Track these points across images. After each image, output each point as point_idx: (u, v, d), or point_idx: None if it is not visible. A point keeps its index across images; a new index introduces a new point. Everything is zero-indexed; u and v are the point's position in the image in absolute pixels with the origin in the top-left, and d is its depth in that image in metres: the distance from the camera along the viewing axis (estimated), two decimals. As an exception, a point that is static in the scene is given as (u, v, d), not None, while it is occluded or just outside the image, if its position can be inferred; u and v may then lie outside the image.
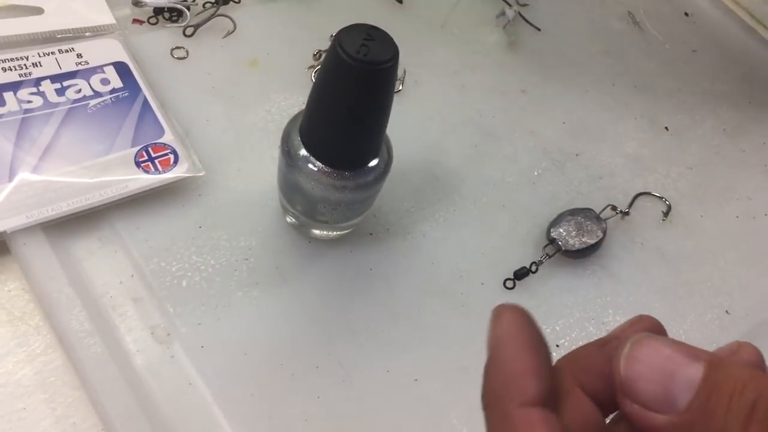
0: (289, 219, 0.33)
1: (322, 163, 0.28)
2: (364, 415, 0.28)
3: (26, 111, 0.33)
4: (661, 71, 0.46)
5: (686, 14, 0.51)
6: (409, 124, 0.38)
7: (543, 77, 0.43)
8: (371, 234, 0.33)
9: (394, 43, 0.25)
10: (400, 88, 0.40)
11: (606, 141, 0.41)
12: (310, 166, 0.28)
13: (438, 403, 0.29)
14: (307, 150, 0.28)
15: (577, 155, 0.40)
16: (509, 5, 0.46)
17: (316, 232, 0.32)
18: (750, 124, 0.44)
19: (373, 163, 0.29)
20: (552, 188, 0.38)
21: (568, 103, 0.42)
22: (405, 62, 0.41)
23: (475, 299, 0.32)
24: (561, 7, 0.48)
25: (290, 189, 0.30)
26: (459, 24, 0.45)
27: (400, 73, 0.41)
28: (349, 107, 0.26)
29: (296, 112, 0.29)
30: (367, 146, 0.28)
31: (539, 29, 0.46)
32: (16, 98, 0.33)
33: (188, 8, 0.39)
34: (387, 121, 0.28)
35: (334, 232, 0.32)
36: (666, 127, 0.43)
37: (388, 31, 0.41)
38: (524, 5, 0.47)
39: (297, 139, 0.28)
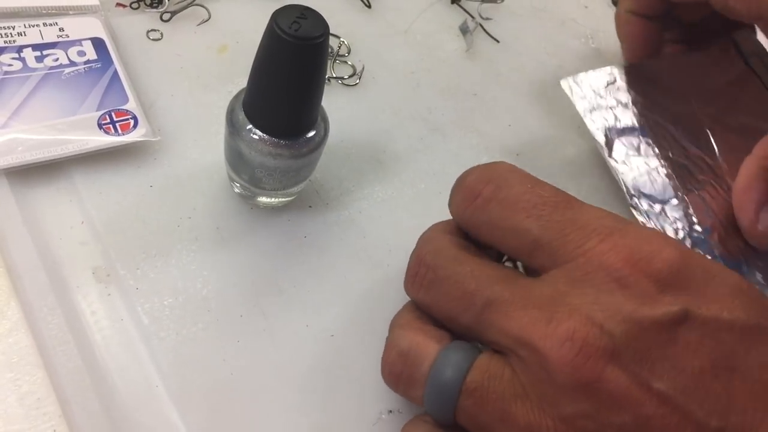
0: (236, 189, 0.35)
1: (262, 132, 0.31)
2: (281, 361, 0.30)
3: (5, 73, 0.36)
4: (610, 87, 0.49)
5: (643, 39, 0.54)
6: (361, 113, 0.42)
7: (496, 83, 0.46)
8: (310, 207, 0.36)
9: (325, 22, 0.28)
10: (357, 81, 0.43)
11: (547, 145, 0.44)
12: (250, 135, 0.31)
13: (349, 357, 0.31)
14: (248, 119, 0.31)
15: (517, 155, 0.42)
16: (472, 17, 0.50)
17: (260, 199, 0.35)
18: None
19: (310, 134, 0.32)
20: (488, 181, 0.40)
21: (517, 108, 0.45)
22: (365, 60, 0.44)
23: (399, 271, 0.35)
24: (522, 24, 0.51)
25: (234, 157, 0.33)
26: (422, 30, 0.48)
27: (358, 68, 0.44)
28: (283, 80, 0.29)
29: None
30: (301, 117, 0.31)
31: (498, 41, 0.49)
32: (-1, 61, 0.36)
33: (168, -4, 0.43)
34: (320, 95, 0.31)
35: (276, 200, 0.35)
36: (607, 137, 0.45)
37: (355, 32, 0.45)
38: (487, 19, 0.50)
39: (240, 110, 0.31)
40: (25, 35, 0.38)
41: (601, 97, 0.42)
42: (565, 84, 0.42)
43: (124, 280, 0.31)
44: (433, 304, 0.26)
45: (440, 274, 0.26)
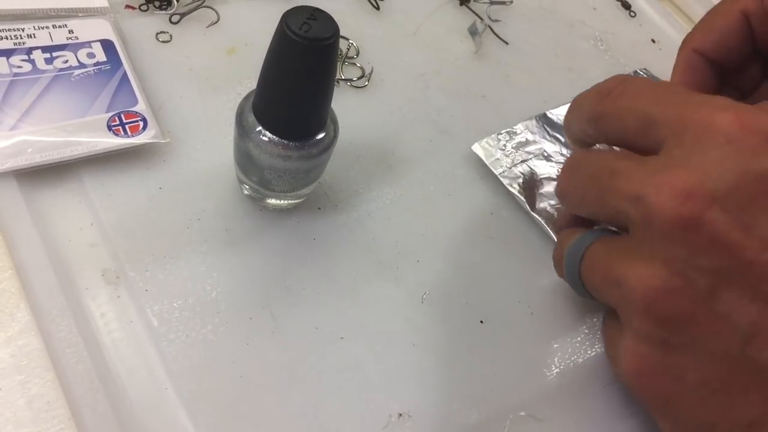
0: (245, 191, 0.35)
1: (271, 134, 0.31)
2: (289, 363, 0.30)
3: (15, 75, 0.36)
4: (619, 89, 0.49)
5: (653, 41, 0.54)
6: (370, 115, 0.41)
7: (504, 85, 0.46)
8: (320, 208, 0.36)
9: (335, 23, 0.28)
10: (366, 83, 0.43)
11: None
12: (260, 136, 0.31)
13: (358, 359, 0.31)
14: (258, 121, 0.31)
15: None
16: (481, 19, 0.50)
17: (270, 201, 0.35)
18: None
19: (320, 136, 0.32)
20: (499, 182, 0.40)
21: (526, 109, 0.44)
22: (374, 62, 0.44)
23: (408, 274, 0.35)
24: (531, 26, 0.51)
25: (243, 159, 0.33)
26: (431, 32, 0.48)
27: (367, 70, 0.44)
28: (292, 81, 0.29)
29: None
30: (311, 119, 0.31)
31: (507, 43, 0.49)
32: (8, 63, 0.36)
33: (177, -1, 0.43)
34: (329, 96, 0.31)
35: (285, 201, 0.35)
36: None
37: (364, 34, 0.45)
38: (496, 21, 0.50)
39: (249, 111, 0.31)
40: (34, 37, 0.38)
41: (515, 153, 0.41)
42: (477, 147, 0.40)
43: (133, 282, 0.31)
44: (571, 188, 0.30)
45: (578, 168, 0.29)
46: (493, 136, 0.41)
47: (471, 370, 0.32)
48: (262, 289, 0.32)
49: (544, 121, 0.43)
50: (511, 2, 0.52)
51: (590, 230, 0.30)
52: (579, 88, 0.47)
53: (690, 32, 0.37)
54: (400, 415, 0.30)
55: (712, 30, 0.35)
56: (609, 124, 0.28)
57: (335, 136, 0.33)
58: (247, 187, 0.35)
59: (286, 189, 0.34)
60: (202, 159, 0.36)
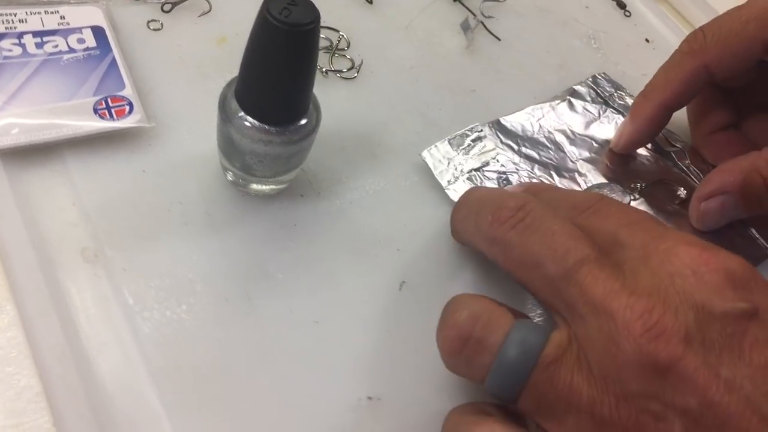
0: (229, 177, 0.36)
1: (252, 119, 0.31)
2: (261, 344, 0.30)
3: (5, 58, 0.37)
4: (611, 87, 0.49)
5: (647, 40, 0.54)
6: (358, 106, 0.42)
7: (494, 80, 0.46)
8: (302, 196, 0.36)
9: (316, 9, 0.28)
10: (356, 75, 0.43)
11: (544, 141, 0.43)
12: (242, 122, 0.31)
13: (332, 343, 0.31)
14: (239, 106, 0.31)
15: (513, 151, 0.42)
16: (474, 15, 0.50)
17: (253, 186, 0.35)
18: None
19: (301, 122, 0.32)
20: (482, 176, 0.40)
21: (514, 105, 0.45)
22: (365, 54, 0.45)
23: (387, 261, 0.35)
24: (524, 23, 0.51)
25: (226, 145, 0.33)
26: (423, 27, 0.48)
27: (357, 62, 0.44)
28: (272, 66, 0.29)
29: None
30: (291, 104, 0.31)
31: (499, 39, 0.49)
32: (-1, 46, 0.37)
33: (170, -12, 0.43)
34: (310, 83, 0.31)
35: (268, 187, 0.35)
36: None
37: (356, 27, 0.45)
38: (489, 17, 0.50)
39: (232, 97, 0.32)
40: (26, 22, 0.39)
41: (464, 159, 0.40)
42: (426, 155, 0.39)
43: (111, 261, 0.31)
44: (520, 245, 0.26)
45: (539, 220, 0.26)
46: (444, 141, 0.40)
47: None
48: (239, 272, 0.32)
49: (498, 128, 0.43)
50: (504, 1, 0.52)
51: (525, 321, 0.25)
52: (569, 84, 0.47)
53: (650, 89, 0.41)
54: (370, 398, 0.30)
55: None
56: None
57: (317, 123, 0.33)
58: (230, 173, 0.35)
59: (267, 174, 0.34)
60: (187, 145, 0.36)
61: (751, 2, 0.37)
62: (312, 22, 0.28)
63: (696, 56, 0.38)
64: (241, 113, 0.31)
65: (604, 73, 0.49)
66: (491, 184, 0.39)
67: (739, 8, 0.38)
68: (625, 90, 0.48)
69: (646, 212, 0.29)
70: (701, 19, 0.55)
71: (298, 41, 0.29)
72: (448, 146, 0.40)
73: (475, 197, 0.32)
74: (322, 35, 0.44)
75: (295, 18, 0.28)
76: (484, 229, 0.28)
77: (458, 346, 0.26)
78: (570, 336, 0.24)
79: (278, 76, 0.30)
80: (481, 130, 0.42)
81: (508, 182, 0.40)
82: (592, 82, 0.47)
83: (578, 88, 0.47)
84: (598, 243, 0.26)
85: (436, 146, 0.40)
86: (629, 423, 0.22)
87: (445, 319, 0.26)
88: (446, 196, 0.38)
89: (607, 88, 0.47)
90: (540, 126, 0.43)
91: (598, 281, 0.24)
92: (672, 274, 0.24)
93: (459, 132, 0.41)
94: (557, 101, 0.45)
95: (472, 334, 0.25)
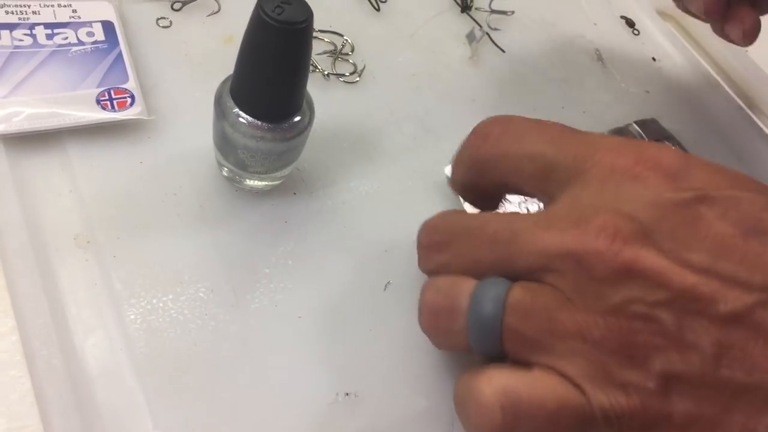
0: (224, 173, 0.36)
1: (246, 115, 0.32)
2: (244, 336, 0.31)
3: (16, 47, 0.38)
4: (613, 103, 0.49)
5: (653, 59, 0.54)
6: (358, 110, 0.42)
7: (496, 91, 0.47)
8: (295, 194, 0.37)
9: (309, 8, 0.29)
10: (357, 79, 0.44)
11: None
12: (236, 118, 0.32)
13: (313, 338, 0.32)
14: (234, 102, 0.32)
15: (509, 161, 0.43)
16: (480, 27, 0.50)
17: (246, 182, 0.36)
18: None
19: (294, 119, 0.33)
20: (476, 184, 0.41)
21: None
22: (368, 60, 0.45)
23: (374, 262, 0.35)
24: (530, 37, 0.52)
25: (220, 140, 0.34)
26: (428, 36, 0.49)
27: (360, 66, 0.45)
28: (265, 64, 0.30)
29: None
30: (284, 101, 0.32)
31: (504, 51, 0.50)
32: (11, 36, 0.38)
33: (181, -13, 0.44)
34: (303, 81, 0.32)
35: (262, 183, 0.36)
36: (604, 151, 0.46)
37: (362, 32, 0.46)
38: (495, 29, 0.51)
39: (227, 93, 0.33)
40: (39, 14, 0.40)
41: None
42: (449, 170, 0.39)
43: (102, 248, 0.32)
44: (454, 258, 0.26)
45: (456, 230, 0.26)
46: None
47: (423, 359, 0.32)
48: (227, 265, 0.33)
49: None
50: (513, 13, 0.52)
51: (489, 278, 0.25)
52: (571, 99, 0.48)
53: None
54: (347, 394, 0.30)
55: None
56: (496, 168, 0.27)
57: (310, 121, 0.34)
58: (225, 168, 0.36)
59: (260, 170, 0.35)
60: (185, 139, 0.37)
61: None
62: (305, 20, 0.29)
63: None
64: (236, 109, 0.32)
65: (653, 119, 0.47)
66: (512, 208, 0.39)
67: None
68: (675, 139, 0.46)
69: (558, 123, 0.27)
70: (709, 39, 0.55)
71: (291, 39, 0.29)
72: None
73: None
74: (326, 39, 0.45)
75: (288, 16, 0.28)
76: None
77: (433, 322, 0.26)
78: (537, 283, 0.24)
79: (271, 74, 0.31)
80: None
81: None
82: (640, 125, 0.46)
83: (628, 128, 0.45)
84: (526, 170, 0.26)
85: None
86: (622, 334, 0.22)
87: (419, 304, 0.27)
88: (436, 202, 0.39)
89: (655, 134, 0.46)
90: None
91: (541, 237, 0.24)
92: (616, 185, 0.24)
93: None
94: None
95: (441, 306, 0.26)
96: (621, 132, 0.45)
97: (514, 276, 0.25)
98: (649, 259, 0.22)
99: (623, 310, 0.22)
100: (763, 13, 0.42)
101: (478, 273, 0.25)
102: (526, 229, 0.24)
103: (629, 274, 0.22)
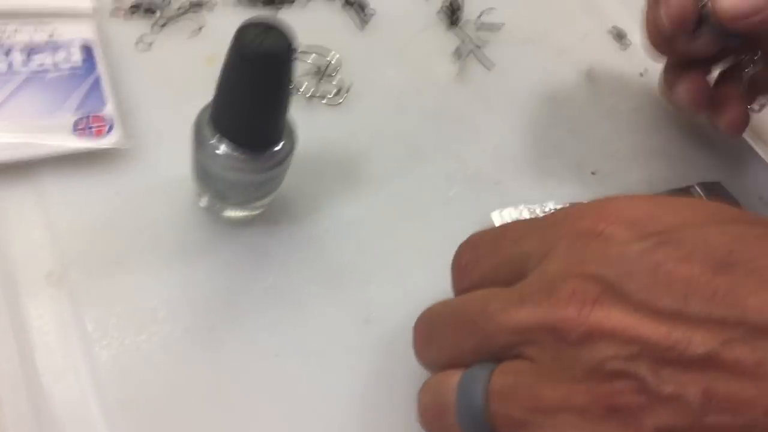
0: (202, 203, 0.36)
1: (224, 146, 0.31)
2: (220, 377, 0.30)
3: (-10, 73, 0.37)
4: (600, 120, 0.48)
5: (641, 74, 0.53)
6: (342, 133, 0.42)
7: (483, 109, 0.46)
8: (276, 223, 0.36)
9: (290, 37, 0.28)
10: (341, 101, 0.43)
11: (527, 173, 0.43)
12: (213, 149, 0.31)
13: (291, 378, 0.31)
14: (212, 133, 0.31)
15: (495, 184, 0.42)
16: (469, 39, 0.50)
17: (227, 213, 0.35)
18: (676, 179, 0.46)
19: (274, 149, 0.32)
20: (462, 209, 0.40)
21: (501, 134, 0.44)
22: (354, 78, 0.44)
23: (354, 294, 0.35)
24: (518, 52, 0.51)
25: (199, 171, 0.33)
26: (414, 53, 0.48)
27: (345, 87, 0.44)
28: (244, 94, 0.29)
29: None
30: (263, 132, 0.31)
31: (489, 69, 0.49)
32: (-15, 62, 0.37)
33: (162, 8, 0.43)
34: (283, 111, 0.31)
35: (242, 213, 0.35)
36: (592, 172, 0.45)
37: (347, 50, 0.45)
38: (481, 46, 0.50)
39: (205, 123, 0.32)
40: (14, 37, 0.39)
41: None
42: (497, 216, 0.39)
43: (75, 285, 0.31)
44: (440, 351, 0.27)
45: (435, 322, 0.28)
46: (514, 208, 0.40)
47: (404, 397, 0.32)
48: (203, 301, 0.32)
49: None
50: (500, 28, 0.51)
51: (472, 367, 0.25)
52: (558, 117, 0.47)
53: None
54: (325, 438, 0.30)
55: None
56: (484, 286, 0.27)
57: (291, 151, 0.33)
58: (204, 198, 0.35)
59: (240, 201, 0.34)
60: (164, 168, 0.36)
61: None
62: (285, 51, 0.28)
63: None
64: (213, 140, 0.31)
65: (719, 182, 0.45)
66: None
67: None
68: (736, 200, 0.44)
69: (519, 222, 0.30)
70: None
71: (270, 70, 0.29)
72: (527, 213, 0.40)
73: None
74: (309, 61, 0.44)
75: (269, 46, 0.27)
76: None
77: (428, 421, 0.27)
78: (518, 360, 0.24)
79: (250, 105, 0.30)
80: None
81: None
82: (704, 189, 0.44)
83: (689, 189, 0.44)
84: (506, 275, 0.26)
85: (511, 210, 0.40)
86: (605, 396, 0.22)
87: (417, 407, 0.28)
88: (419, 231, 0.38)
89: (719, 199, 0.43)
90: None
91: (515, 314, 0.24)
92: (579, 250, 0.24)
93: (541, 205, 0.40)
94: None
95: (431, 405, 0.26)
96: (682, 193, 0.43)
97: (498, 355, 0.25)
98: (617, 316, 0.22)
99: (600, 371, 0.22)
100: (750, 103, 0.42)
101: (465, 360, 0.26)
102: (500, 309, 0.24)
103: (600, 334, 0.22)
